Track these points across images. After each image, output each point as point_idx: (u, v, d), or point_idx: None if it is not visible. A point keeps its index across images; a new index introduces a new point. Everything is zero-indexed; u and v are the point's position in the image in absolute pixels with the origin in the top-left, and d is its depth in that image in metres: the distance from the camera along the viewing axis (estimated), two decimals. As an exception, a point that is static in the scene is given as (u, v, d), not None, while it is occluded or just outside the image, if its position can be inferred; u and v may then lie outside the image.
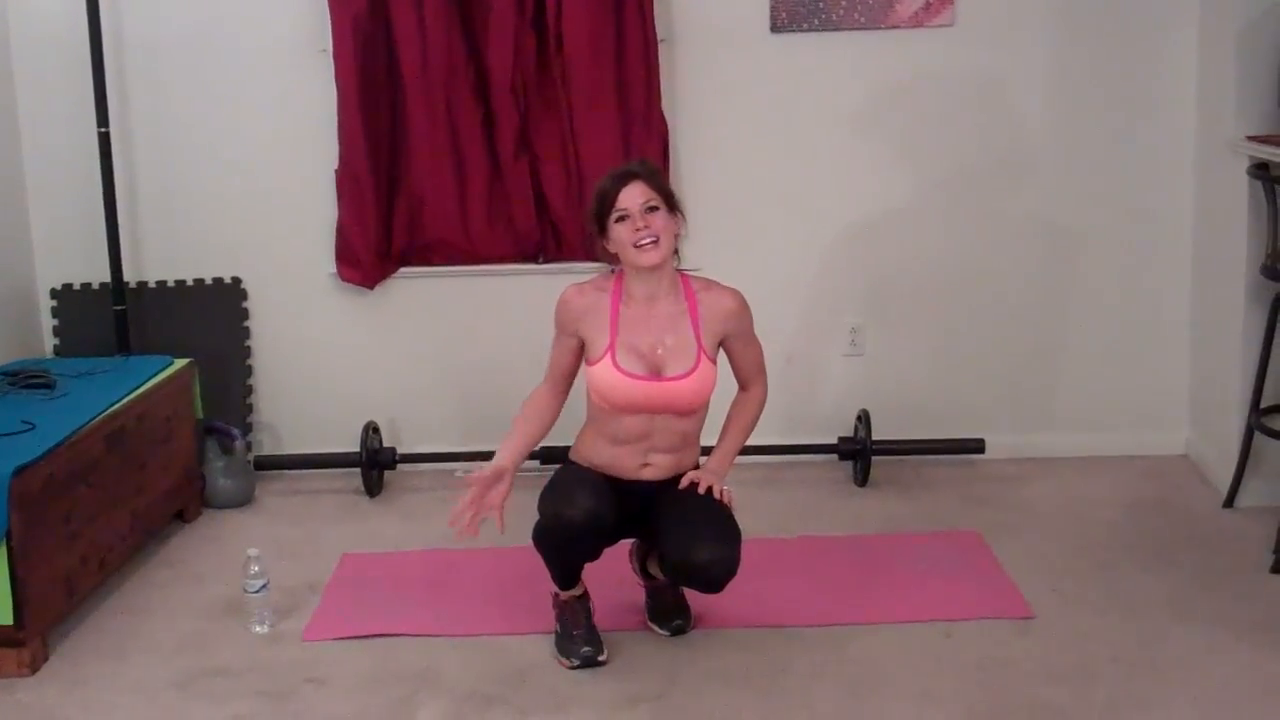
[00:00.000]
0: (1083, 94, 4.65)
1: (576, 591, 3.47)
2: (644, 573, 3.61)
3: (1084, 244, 4.74)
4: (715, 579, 3.32)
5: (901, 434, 4.70)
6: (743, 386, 3.56)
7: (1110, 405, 4.83)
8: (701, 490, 3.38)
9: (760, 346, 3.54)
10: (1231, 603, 3.65)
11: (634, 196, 3.31)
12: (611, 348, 3.37)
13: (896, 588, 3.79)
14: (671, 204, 3.37)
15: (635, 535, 3.55)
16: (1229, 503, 4.31)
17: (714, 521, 3.34)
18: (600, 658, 3.40)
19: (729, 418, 3.56)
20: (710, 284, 3.46)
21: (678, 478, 3.45)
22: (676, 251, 3.40)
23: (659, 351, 3.37)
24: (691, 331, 3.39)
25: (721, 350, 3.47)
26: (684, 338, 3.39)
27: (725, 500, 3.37)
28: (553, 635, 3.48)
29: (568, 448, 3.56)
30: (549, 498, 3.35)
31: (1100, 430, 4.83)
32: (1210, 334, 4.60)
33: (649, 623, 3.58)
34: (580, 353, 3.45)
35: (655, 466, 3.45)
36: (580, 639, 3.41)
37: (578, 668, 3.38)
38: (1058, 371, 4.83)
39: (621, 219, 3.31)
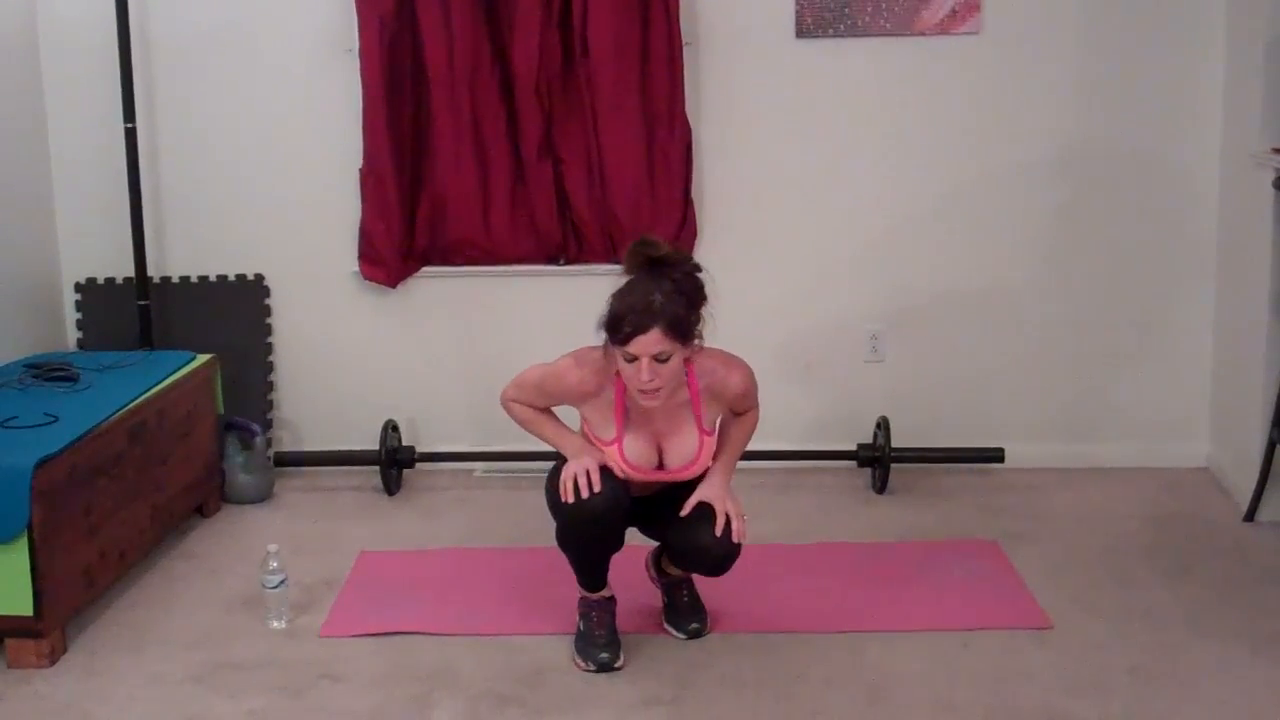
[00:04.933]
0: (1108, 104, 4.63)
1: (605, 594, 3.47)
2: (660, 573, 3.61)
3: (1107, 254, 4.73)
4: (718, 560, 3.34)
5: (921, 442, 4.70)
6: (736, 412, 3.49)
7: (1131, 416, 4.82)
8: (720, 526, 3.28)
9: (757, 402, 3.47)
10: (1250, 616, 3.63)
11: (648, 345, 3.09)
12: (619, 440, 3.33)
13: (914, 596, 3.78)
14: (688, 334, 3.16)
15: (639, 526, 3.55)
16: (1249, 516, 4.29)
17: (698, 515, 3.35)
18: (617, 664, 3.40)
19: (725, 435, 3.47)
20: (714, 365, 3.32)
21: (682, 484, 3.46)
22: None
23: (661, 439, 3.35)
24: (693, 422, 3.35)
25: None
26: (686, 432, 3.35)
27: (739, 535, 3.30)
28: (573, 635, 3.48)
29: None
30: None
31: (1120, 441, 4.82)
32: (1232, 346, 4.58)
33: (665, 625, 3.59)
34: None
35: (658, 490, 3.47)
36: (601, 643, 3.41)
37: (593, 672, 3.39)
38: (1078, 381, 4.82)
39: (630, 360, 3.13)
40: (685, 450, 3.36)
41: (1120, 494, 4.58)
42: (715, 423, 3.39)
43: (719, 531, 3.28)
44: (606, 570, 3.44)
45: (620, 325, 3.11)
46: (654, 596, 3.65)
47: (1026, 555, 4.04)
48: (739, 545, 3.32)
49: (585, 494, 3.23)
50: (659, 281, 3.13)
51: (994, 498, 4.56)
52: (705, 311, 3.22)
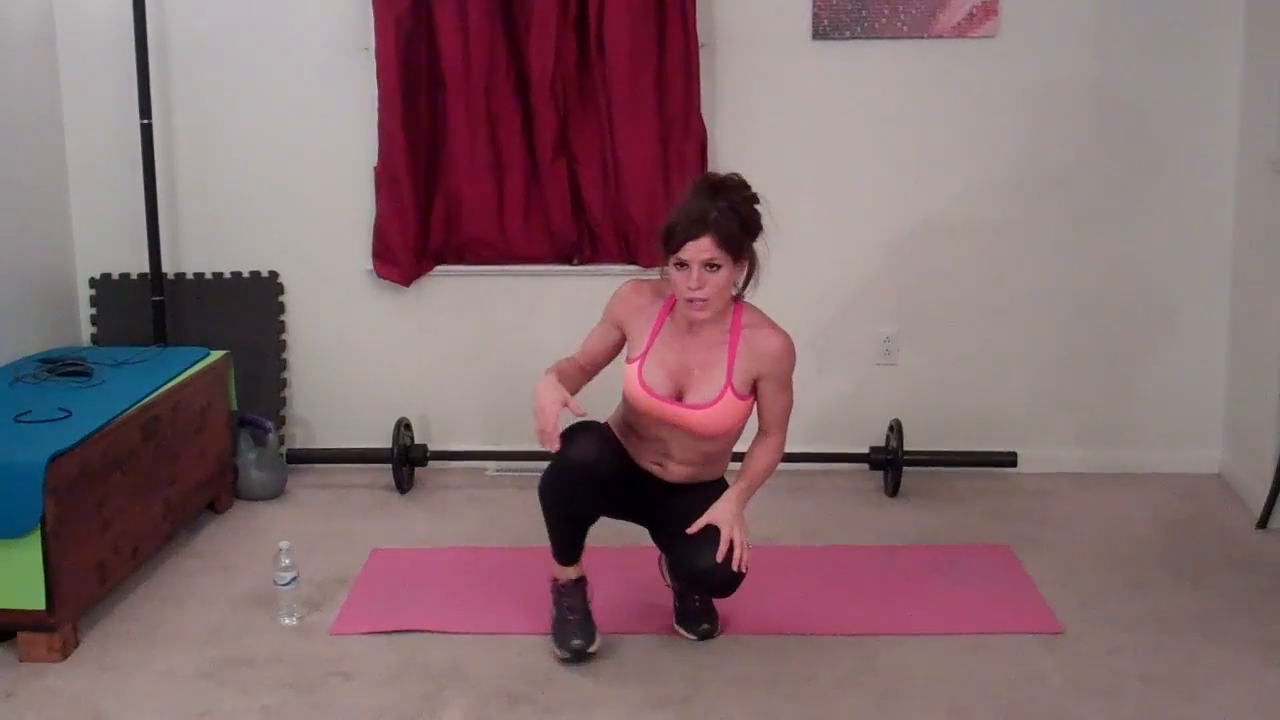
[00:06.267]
0: (1125, 108, 4.62)
1: (573, 574, 3.47)
2: (673, 577, 3.61)
3: (1122, 259, 4.71)
4: (722, 584, 3.33)
5: (933, 445, 4.69)
6: (763, 431, 3.45)
7: (1145, 422, 4.81)
8: (722, 551, 3.25)
9: (791, 399, 3.43)
10: (1262, 624, 3.62)
11: (699, 251, 3.20)
12: (643, 357, 3.37)
13: (925, 599, 3.77)
14: (740, 253, 3.27)
15: (640, 521, 3.54)
16: (1262, 523, 4.28)
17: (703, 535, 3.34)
18: (591, 649, 3.41)
19: (746, 461, 3.45)
20: (761, 321, 3.38)
21: (692, 483, 3.46)
22: (749, 280, 3.36)
23: (686, 375, 3.36)
24: (725, 364, 3.35)
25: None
26: (715, 369, 3.35)
27: (740, 564, 3.26)
28: (551, 625, 3.49)
29: None
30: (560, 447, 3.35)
31: (1134, 447, 4.81)
32: (1247, 353, 4.57)
33: (676, 626, 3.58)
34: (616, 348, 3.47)
35: (666, 470, 3.46)
36: (573, 627, 3.43)
37: (568, 660, 3.40)
38: (1092, 386, 4.81)
39: (681, 266, 3.24)
40: (707, 390, 3.34)
41: (1133, 500, 4.57)
42: (747, 386, 3.36)
43: (720, 556, 3.26)
44: (580, 544, 3.44)
45: (675, 232, 3.23)
46: (665, 597, 3.65)
47: (1038, 560, 4.04)
48: (741, 573, 3.30)
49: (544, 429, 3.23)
50: (715, 200, 3.25)
51: (1006, 502, 4.55)
52: (761, 245, 3.32)
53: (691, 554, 3.32)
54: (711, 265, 3.22)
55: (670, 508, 3.44)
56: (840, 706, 3.22)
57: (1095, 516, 4.43)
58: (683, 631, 3.56)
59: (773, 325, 3.39)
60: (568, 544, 3.44)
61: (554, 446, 3.27)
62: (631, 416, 3.44)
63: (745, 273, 3.33)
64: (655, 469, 3.47)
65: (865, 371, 4.83)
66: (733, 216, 3.24)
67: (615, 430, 3.51)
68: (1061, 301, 4.76)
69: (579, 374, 3.48)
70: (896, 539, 4.24)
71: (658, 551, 3.65)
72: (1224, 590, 3.84)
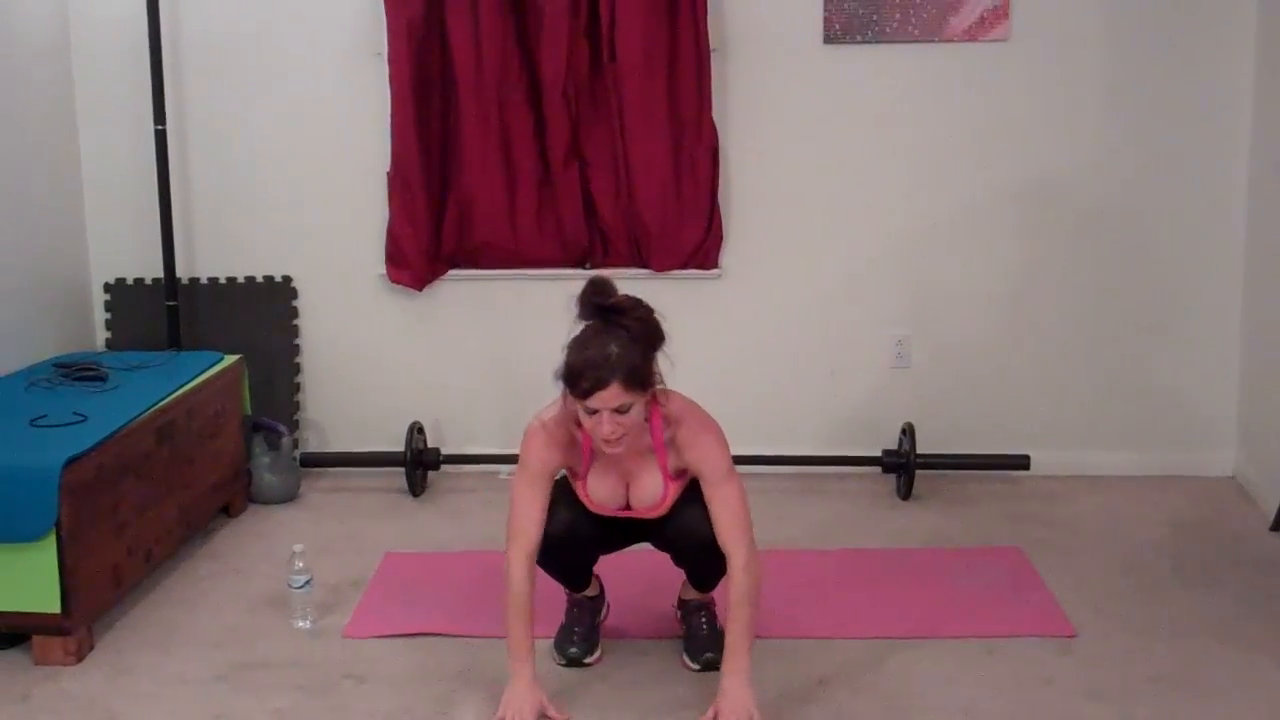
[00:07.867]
0: (1137, 111, 4.62)
1: (589, 593, 3.51)
2: (680, 603, 3.57)
3: (1134, 261, 4.71)
4: (705, 534, 3.22)
5: (946, 448, 4.69)
6: (726, 552, 3.18)
7: (1158, 425, 4.80)
8: None
9: (739, 494, 3.18)
10: (1276, 627, 3.61)
11: (607, 401, 3.00)
12: (584, 478, 3.30)
13: (938, 603, 3.77)
14: (648, 381, 3.08)
15: (646, 540, 3.48)
16: (1276, 526, 4.27)
17: (687, 499, 3.30)
18: (588, 660, 3.44)
19: (729, 612, 3.17)
20: (681, 416, 3.19)
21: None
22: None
23: (629, 478, 3.28)
24: (658, 469, 3.25)
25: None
26: (651, 476, 3.26)
27: None
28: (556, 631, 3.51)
29: None
30: None
31: (1147, 450, 4.80)
32: (1260, 355, 4.56)
33: (683, 657, 3.48)
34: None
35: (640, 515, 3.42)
36: (577, 638, 3.45)
37: (565, 666, 3.42)
38: (1105, 389, 4.80)
39: (591, 413, 3.05)
40: (650, 493, 3.28)
41: (1146, 502, 4.56)
42: (683, 471, 3.27)
43: None
44: (584, 580, 3.49)
45: (579, 381, 3.02)
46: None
47: (1051, 563, 4.03)
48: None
49: None
50: (614, 331, 3.04)
51: (1019, 505, 4.54)
52: (664, 352, 3.12)
53: (671, 525, 3.31)
54: (622, 409, 3.03)
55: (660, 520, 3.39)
56: (853, 710, 3.22)
57: (1108, 519, 4.42)
58: (688, 662, 3.46)
59: (694, 418, 3.22)
60: (569, 584, 3.50)
61: None
62: None
63: (654, 389, 3.12)
64: (633, 515, 3.42)
65: (878, 375, 4.83)
66: (634, 348, 3.03)
67: None
68: (1074, 304, 4.75)
69: (530, 571, 3.22)
70: (909, 542, 4.24)
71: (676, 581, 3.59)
72: (1238, 593, 3.83)
